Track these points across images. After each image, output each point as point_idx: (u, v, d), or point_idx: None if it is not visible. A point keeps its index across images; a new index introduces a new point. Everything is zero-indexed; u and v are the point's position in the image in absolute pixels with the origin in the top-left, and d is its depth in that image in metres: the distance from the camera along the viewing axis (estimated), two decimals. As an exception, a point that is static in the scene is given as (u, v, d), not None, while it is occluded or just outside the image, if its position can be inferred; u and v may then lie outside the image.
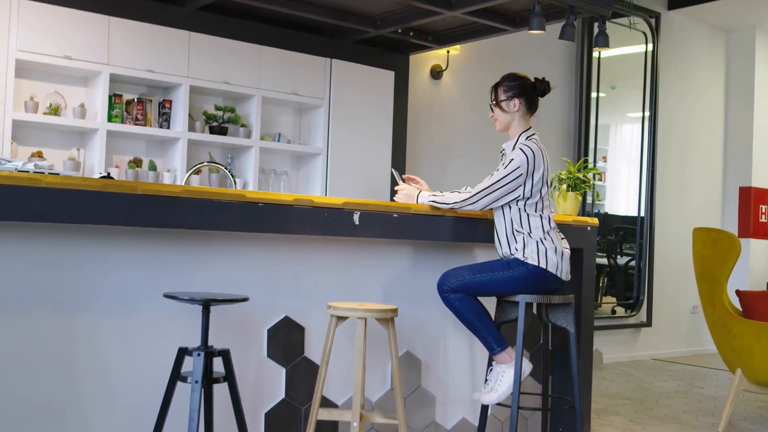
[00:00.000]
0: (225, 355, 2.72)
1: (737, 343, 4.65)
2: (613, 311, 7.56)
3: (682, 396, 5.80)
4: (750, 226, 8.49)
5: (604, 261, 7.70)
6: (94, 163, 4.59)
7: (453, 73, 6.40)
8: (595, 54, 7.32)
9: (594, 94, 7.31)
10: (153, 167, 4.88)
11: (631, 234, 7.83)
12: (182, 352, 2.70)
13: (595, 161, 7.30)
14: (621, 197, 8.04)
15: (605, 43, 4.79)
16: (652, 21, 7.68)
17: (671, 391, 6.01)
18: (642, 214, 7.75)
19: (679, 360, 7.74)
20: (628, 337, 7.68)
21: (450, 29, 5.50)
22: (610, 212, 7.94)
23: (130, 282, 2.89)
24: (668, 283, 7.97)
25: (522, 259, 3.37)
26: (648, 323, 7.76)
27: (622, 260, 7.87)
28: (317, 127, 5.47)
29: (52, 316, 2.72)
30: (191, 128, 4.98)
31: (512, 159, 3.38)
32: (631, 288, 7.77)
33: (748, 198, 8.56)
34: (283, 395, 3.28)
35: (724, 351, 4.79)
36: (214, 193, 2.92)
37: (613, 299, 7.74)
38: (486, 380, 3.51)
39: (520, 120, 3.48)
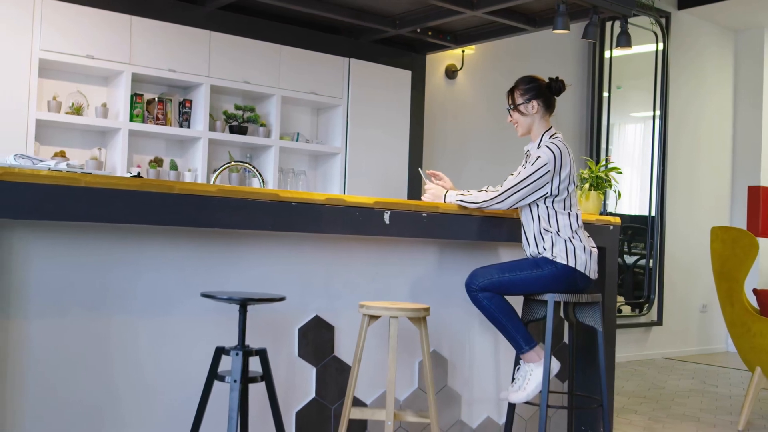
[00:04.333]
0: (262, 354, 2.73)
1: (757, 341, 4.67)
2: (619, 310, 7.59)
3: (697, 394, 5.82)
4: (759, 225, 8.51)
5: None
6: (116, 163, 4.60)
7: (468, 72, 6.41)
8: (607, 54, 7.34)
9: (606, 94, 7.34)
10: (174, 167, 4.89)
11: (639, 233, 7.84)
12: (219, 352, 2.71)
13: (606, 161, 7.31)
14: (625, 196, 8.06)
15: (627, 43, 4.81)
16: (663, 21, 7.70)
17: (686, 389, 6.02)
18: (653, 213, 7.76)
19: (690, 359, 7.77)
20: (639, 336, 7.70)
21: (468, 29, 5.51)
22: (614, 211, 7.95)
23: (165, 281, 2.90)
24: (678, 282, 7.99)
25: (551, 258, 3.38)
26: (659, 322, 7.78)
27: (630, 259, 7.88)
28: (335, 126, 5.48)
29: (88, 316, 2.73)
30: (212, 128, 4.99)
31: (539, 156, 3.39)
32: (639, 287, 7.79)
33: (757, 197, 8.58)
34: (313, 394, 3.29)
35: (743, 349, 4.81)
36: (249, 192, 2.93)
37: (621, 298, 7.76)
38: (513, 379, 3.52)
39: (540, 121, 3.50)
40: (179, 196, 2.74)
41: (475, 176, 6.30)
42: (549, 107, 3.51)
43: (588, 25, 4.66)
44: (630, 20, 6.91)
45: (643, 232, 7.82)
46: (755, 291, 5.01)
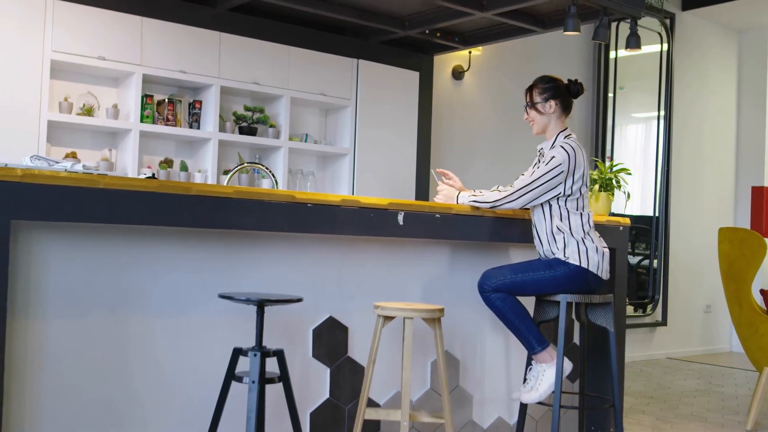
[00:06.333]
0: (279, 355, 2.74)
1: (765, 341, 4.69)
2: (622, 310, 7.59)
3: (703, 394, 5.84)
4: (762, 226, 8.53)
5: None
6: (127, 164, 4.61)
7: (474, 73, 6.43)
8: (612, 54, 7.36)
9: (611, 95, 7.35)
10: (184, 168, 4.90)
11: (642, 233, 7.86)
12: (237, 353, 2.72)
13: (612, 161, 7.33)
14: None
15: (637, 44, 4.82)
16: (667, 21, 7.71)
17: (692, 389, 6.04)
18: (656, 213, 7.78)
19: (694, 359, 7.78)
20: (644, 336, 7.71)
21: (477, 30, 5.52)
22: (616, 212, 7.96)
23: (182, 282, 2.91)
24: (682, 282, 8.01)
25: (563, 258, 3.40)
26: (663, 322, 7.80)
27: (633, 260, 7.90)
28: (344, 127, 5.49)
29: (106, 316, 2.74)
30: (221, 129, 5.01)
31: (553, 156, 3.40)
32: (643, 287, 7.81)
33: (761, 197, 8.59)
34: (327, 395, 3.30)
35: (750, 350, 4.82)
36: (265, 194, 2.94)
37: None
38: (525, 380, 3.53)
39: (557, 121, 3.51)
40: (196, 197, 2.76)
41: (482, 176, 6.32)
42: (566, 108, 3.52)
43: (598, 27, 4.67)
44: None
45: (646, 233, 7.83)
46: (762, 291, 5.03)
